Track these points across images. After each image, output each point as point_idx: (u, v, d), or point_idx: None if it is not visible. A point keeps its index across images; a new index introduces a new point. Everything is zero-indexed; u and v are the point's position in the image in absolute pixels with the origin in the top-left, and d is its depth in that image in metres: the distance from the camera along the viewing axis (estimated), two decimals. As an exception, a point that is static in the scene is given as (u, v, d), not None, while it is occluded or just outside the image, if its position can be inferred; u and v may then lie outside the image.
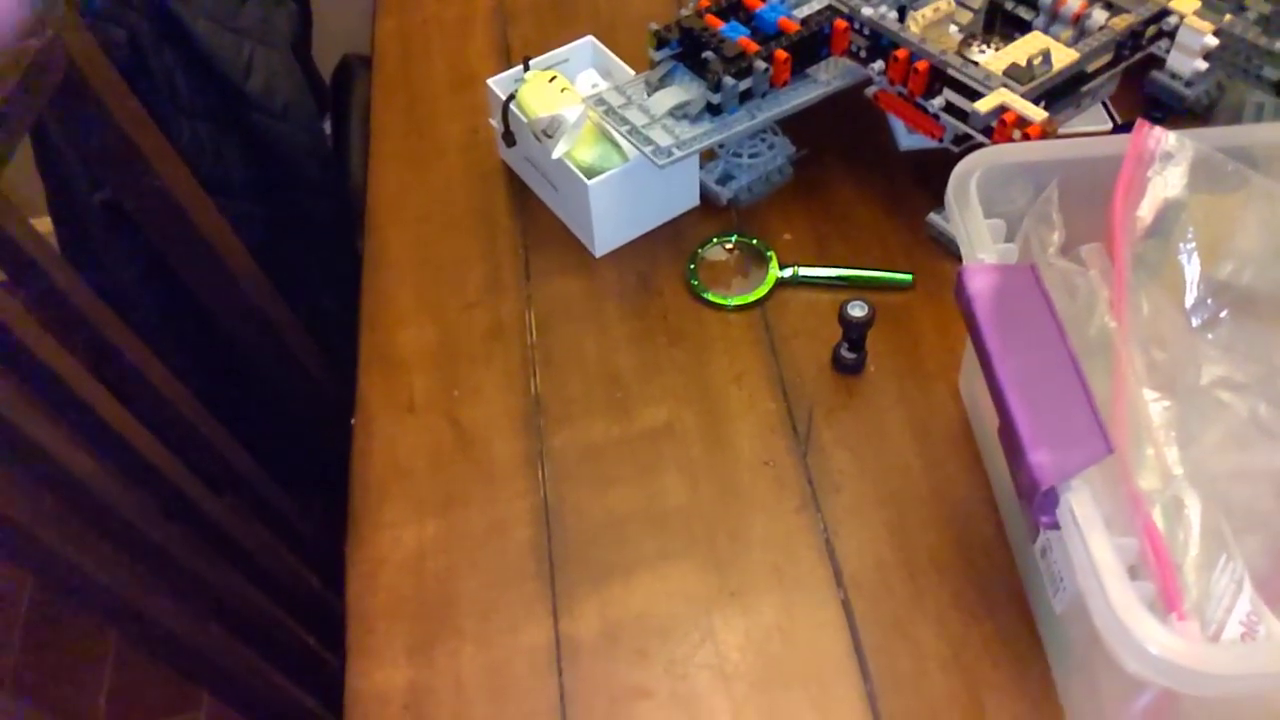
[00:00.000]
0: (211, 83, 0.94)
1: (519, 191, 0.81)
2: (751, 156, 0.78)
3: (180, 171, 0.72)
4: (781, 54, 0.70)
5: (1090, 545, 0.44)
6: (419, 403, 0.69)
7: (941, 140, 0.72)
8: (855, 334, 0.66)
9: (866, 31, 0.72)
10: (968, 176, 0.57)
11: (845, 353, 0.68)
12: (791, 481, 0.64)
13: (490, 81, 0.78)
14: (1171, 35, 0.70)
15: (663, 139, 0.69)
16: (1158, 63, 0.76)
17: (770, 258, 0.74)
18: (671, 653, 0.57)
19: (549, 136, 0.71)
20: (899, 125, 0.81)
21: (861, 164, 0.80)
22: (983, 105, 0.65)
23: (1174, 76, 0.79)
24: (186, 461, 0.78)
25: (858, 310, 0.64)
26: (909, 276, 0.72)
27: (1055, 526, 0.47)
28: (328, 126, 1.20)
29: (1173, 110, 0.77)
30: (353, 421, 0.68)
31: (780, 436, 0.66)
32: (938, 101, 0.69)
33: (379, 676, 0.57)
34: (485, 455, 0.66)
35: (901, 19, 0.73)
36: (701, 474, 0.65)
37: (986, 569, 0.60)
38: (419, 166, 0.83)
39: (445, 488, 0.65)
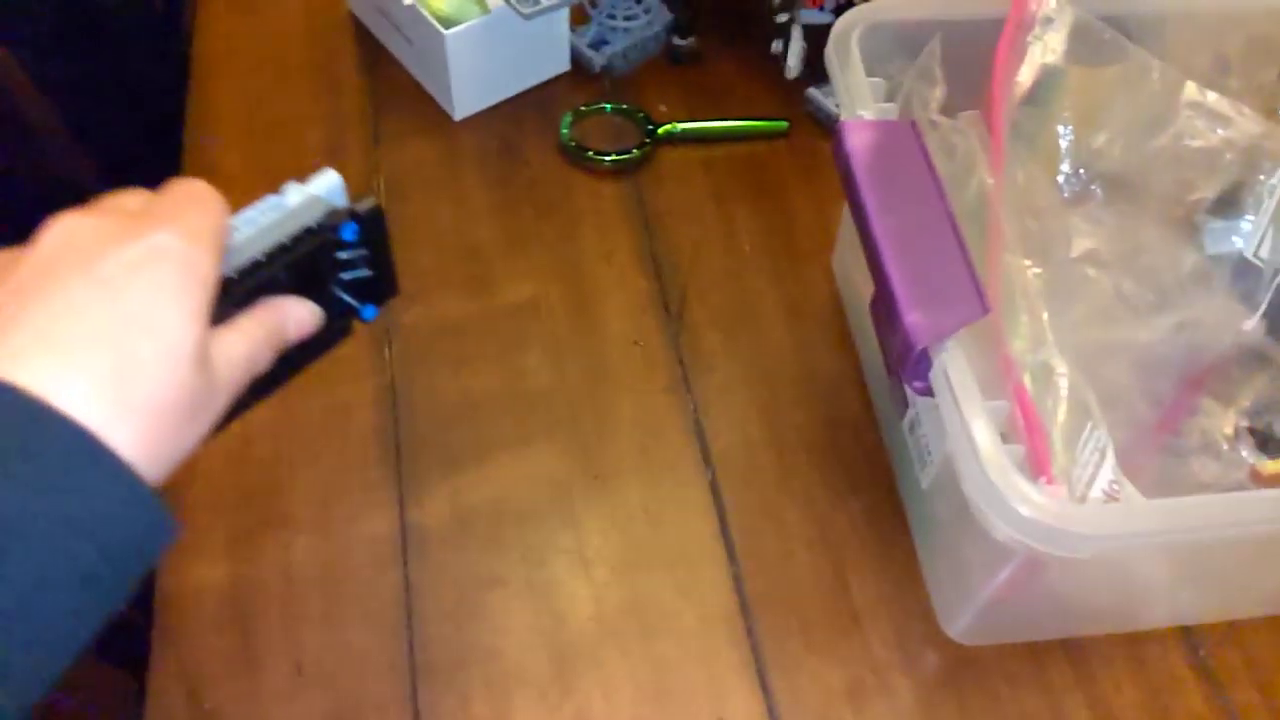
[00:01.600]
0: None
1: (370, 47, 0.73)
2: (627, 20, 0.72)
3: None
4: (656, -99, 0.65)
5: (963, 407, 0.42)
6: (250, 275, 0.62)
7: (823, 8, 0.68)
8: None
9: (747, -116, 0.67)
10: (849, 31, 0.53)
11: (678, 39, 0.64)
12: (662, 361, 0.61)
13: (334, -80, 0.70)
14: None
15: (526, -12, 0.63)
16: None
17: (647, 122, 0.70)
18: (528, 539, 0.54)
19: (399, -20, 0.64)
20: (779, -2, 0.77)
21: (742, 37, 0.76)
22: (866, -35, 0.61)
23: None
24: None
25: None
26: (784, 123, 0.70)
27: (928, 392, 0.45)
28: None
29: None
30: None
31: (651, 316, 0.62)
32: (820, -37, 0.65)
33: (195, 572, 0.51)
34: (325, 332, 0.60)
35: (784, -126, 0.68)
36: (568, 353, 0.61)
37: (854, 448, 0.58)
38: (252, 10, 0.74)
39: (278, 367, 0.59)
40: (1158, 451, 0.56)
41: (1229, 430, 0.57)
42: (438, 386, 0.59)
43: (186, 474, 0.54)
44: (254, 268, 0.35)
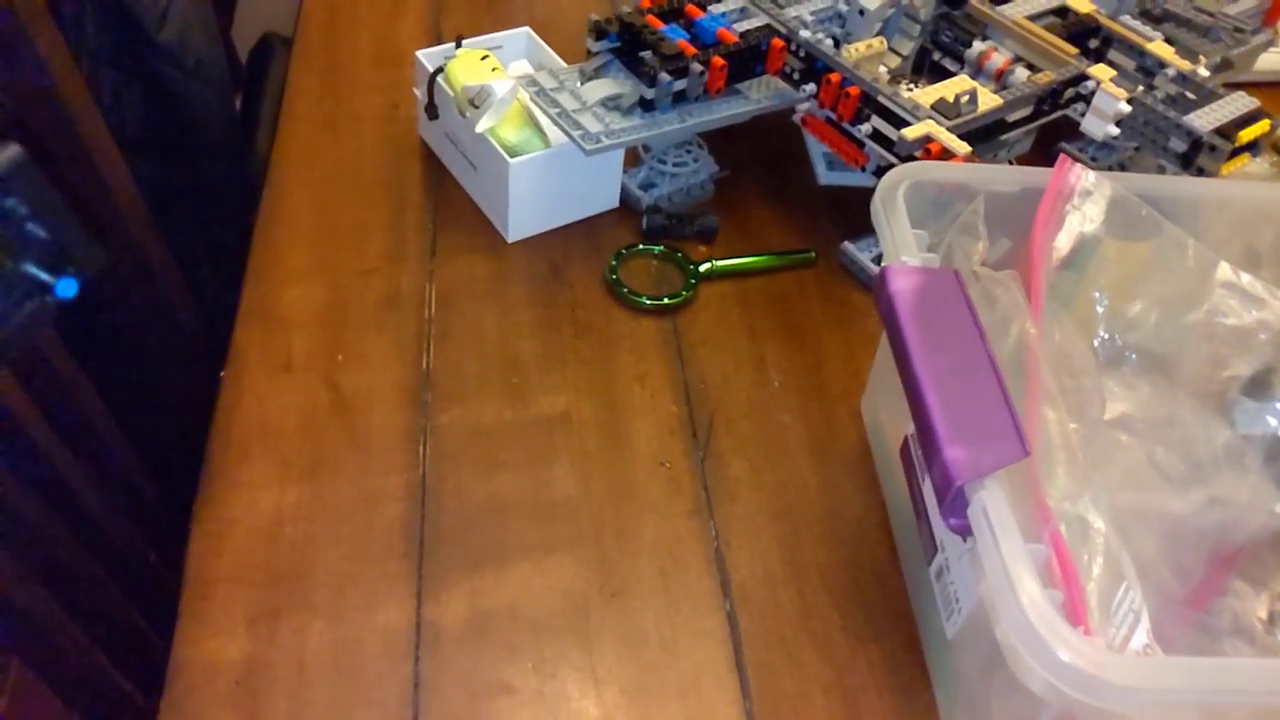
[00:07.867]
0: (121, 26, 0.88)
1: (435, 170, 0.78)
2: (676, 166, 0.76)
3: (62, 60, 0.65)
4: (718, 60, 0.69)
5: (1002, 546, 0.42)
6: (297, 363, 0.63)
7: (864, 169, 0.72)
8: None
9: (802, 54, 0.72)
10: (896, 185, 0.56)
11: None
12: (686, 485, 0.61)
13: (419, 53, 0.75)
14: (1088, 99, 0.73)
15: (593, 125, 0.67)
16: (1068, 135, 0.79)
17: (688, 263, 0.72)
18: (542, 650, 0.53)
19: (475, 108, 0.68)
20: (820, 160, 0.82)
21: (781, 192, 0.80)
22: (909, 133, 0.65)
23: (1083, 149, 0.82)
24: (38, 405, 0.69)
25: None
26: (811, 253, 0.75)
27: (964, 529, 0.45)
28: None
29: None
30: (221, 375, 0.62)
31: (679, 439, 0.63)
32: (865, 128, 0.69)
33: (211, 646, 0.50)
34: (364, 424, 0.61)
35: (836, 48, 0.73)
36: (594, 468, 0.61)
37: (876, 592, 0.57)
38: (331, 132, 0.79)
39: (315, 453, 0.59)
40: (1187, 627, 0.54)
41: (1263, 614, 0.56)
42: (466, 487, 0.59)
43: (215, 545, 0.54)
44: None
